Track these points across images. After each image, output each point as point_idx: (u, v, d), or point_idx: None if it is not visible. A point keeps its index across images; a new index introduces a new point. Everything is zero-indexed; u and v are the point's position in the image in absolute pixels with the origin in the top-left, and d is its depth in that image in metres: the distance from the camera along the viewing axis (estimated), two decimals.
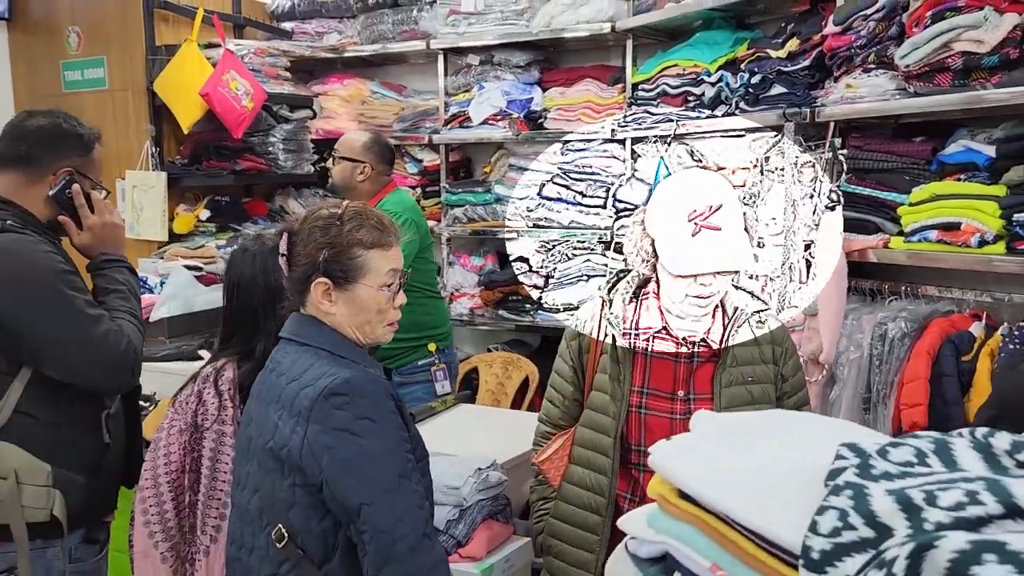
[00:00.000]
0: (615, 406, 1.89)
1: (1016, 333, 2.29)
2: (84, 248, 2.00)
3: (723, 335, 1.89)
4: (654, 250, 1.85)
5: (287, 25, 4.44)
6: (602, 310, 1.96)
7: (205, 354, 3.14)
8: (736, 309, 1.91)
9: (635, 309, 1.94)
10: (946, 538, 0.57)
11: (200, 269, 3.32)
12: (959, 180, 2.45)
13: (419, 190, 4.30)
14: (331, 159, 3.14)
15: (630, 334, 1.91)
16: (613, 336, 1.92)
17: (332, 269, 1.57)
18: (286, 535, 1.49)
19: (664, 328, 1.90)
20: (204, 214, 3.87)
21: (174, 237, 3.80)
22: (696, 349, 1.89)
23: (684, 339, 1.89)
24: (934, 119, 2.61)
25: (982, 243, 2.35)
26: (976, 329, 2.39)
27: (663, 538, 0.85)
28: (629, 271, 2.00)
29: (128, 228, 3.39)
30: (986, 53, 2.26)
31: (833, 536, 0.66)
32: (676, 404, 1.88)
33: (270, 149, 3.90)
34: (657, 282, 1.92)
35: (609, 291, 1.99)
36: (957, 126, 2.57)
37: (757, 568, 0.74)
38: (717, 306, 1.90)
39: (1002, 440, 0.68)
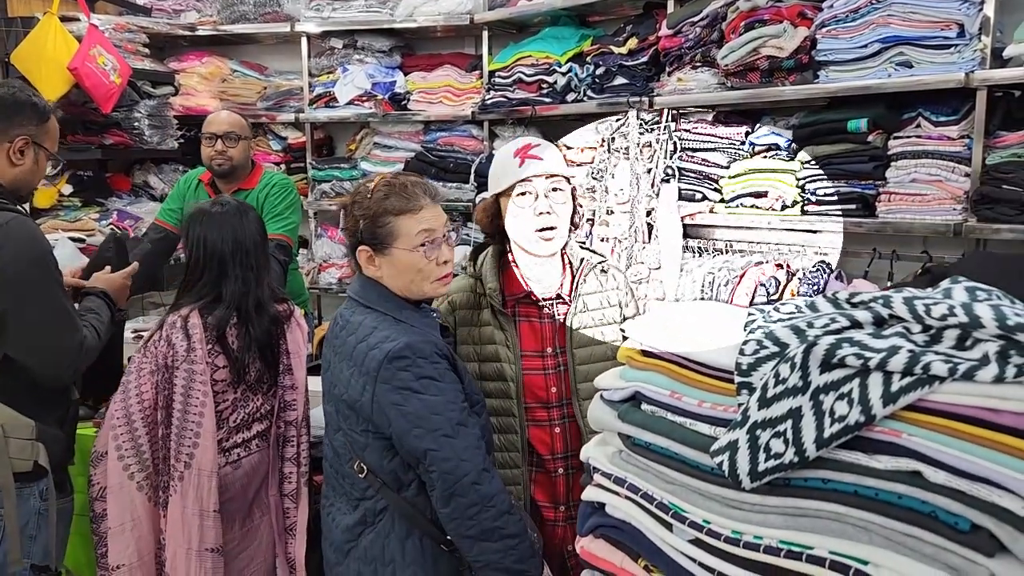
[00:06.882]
0: (510, 368, 2.01)
1: (809, 277, 2.94)
2: (91, 287, 2.25)
3: (572, 284, 2.06)
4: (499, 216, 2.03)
5: (142, 1, 4.43)
6: (475, 282, 2.07)
7: None
8: (582, 260, 2.08)
9: (501, 279, 2.05)
10: (821, 339, 1.03)
11: (83, 241, 3.35)
12: (766, 157, 3.02)
13: (283, 166, 4.46)
14: (221, 141, 3.04)
15: (503, 301, 2.03)
16: (492, 306, 2.02)
17: (368, 237, 1.75)
18: (365, 468, 1.73)
19: (528, 294, 2.05)
20: (66, 188, 3.86)
21: (35, 212, 3.76)
22: (555, 308, 2.05)
23: (543, 298, 2.05)
24: (745, 108, 3.16)
25: (784, 207, 2.98)
26: (781, 275, 2.99)
27: (633, 384, 1.28)
28: (487, 245, 2.12)
29: None
30: (785, 57, 2.84)
31: (754, 354, 1.11)
32: (546, 360, 2.04)
33: (135, 124, 3.91)
34: (511, 251, 2.07)
35: (475, 267, 2.11)
36: (763, 114, 3.14)
37: (703, 387, 1.18)
38: (565, 263, 2.07)
39: (842, 295, 1.16)
